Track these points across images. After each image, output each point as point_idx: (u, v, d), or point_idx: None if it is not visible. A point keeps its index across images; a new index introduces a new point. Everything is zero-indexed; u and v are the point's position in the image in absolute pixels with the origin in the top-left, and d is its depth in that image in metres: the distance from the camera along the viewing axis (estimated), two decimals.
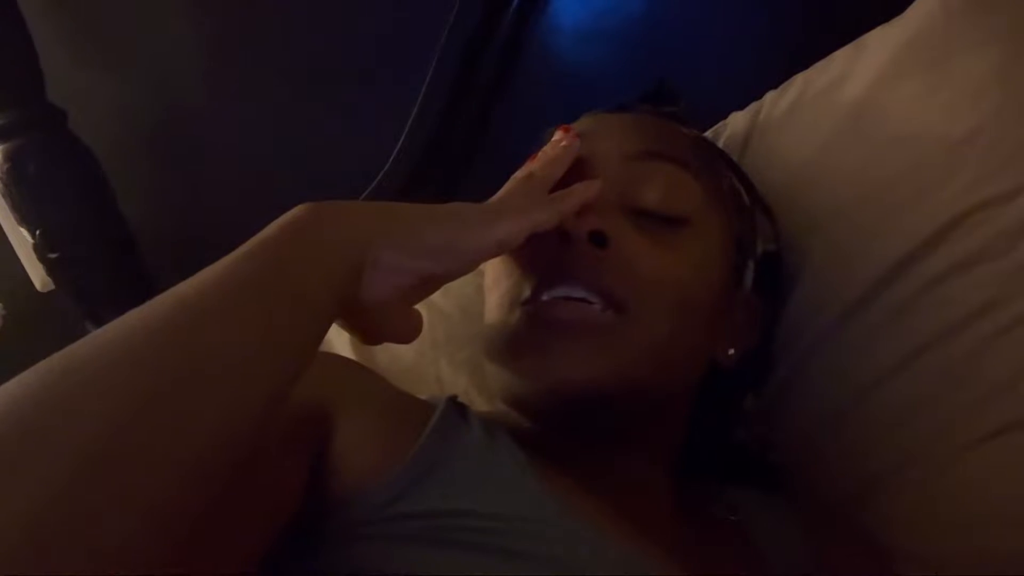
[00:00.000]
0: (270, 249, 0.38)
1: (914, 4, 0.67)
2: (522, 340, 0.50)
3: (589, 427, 0.53)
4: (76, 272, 0.92)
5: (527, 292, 0.51)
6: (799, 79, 0.73)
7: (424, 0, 0.88)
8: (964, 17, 0.63)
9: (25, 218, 0.90)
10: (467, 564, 0.41)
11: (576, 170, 0.55)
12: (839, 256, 0.64)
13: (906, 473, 0.59)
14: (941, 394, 0.58)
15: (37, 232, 0.89)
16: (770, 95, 0.75)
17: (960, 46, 0.63)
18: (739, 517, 0.57)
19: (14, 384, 0.29)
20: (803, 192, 0.67)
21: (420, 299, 0.48)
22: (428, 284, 0.47)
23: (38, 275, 1.00)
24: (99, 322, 0.92)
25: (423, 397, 0.55)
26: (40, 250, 0.91)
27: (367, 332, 0.45)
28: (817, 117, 0.69)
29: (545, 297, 0.50)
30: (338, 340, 0.82)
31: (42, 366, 0.30)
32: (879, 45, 0.68)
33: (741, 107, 0.77)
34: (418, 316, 0.47)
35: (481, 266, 0.54)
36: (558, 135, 0.57)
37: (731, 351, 0.58)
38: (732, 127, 0.76)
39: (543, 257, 0.51)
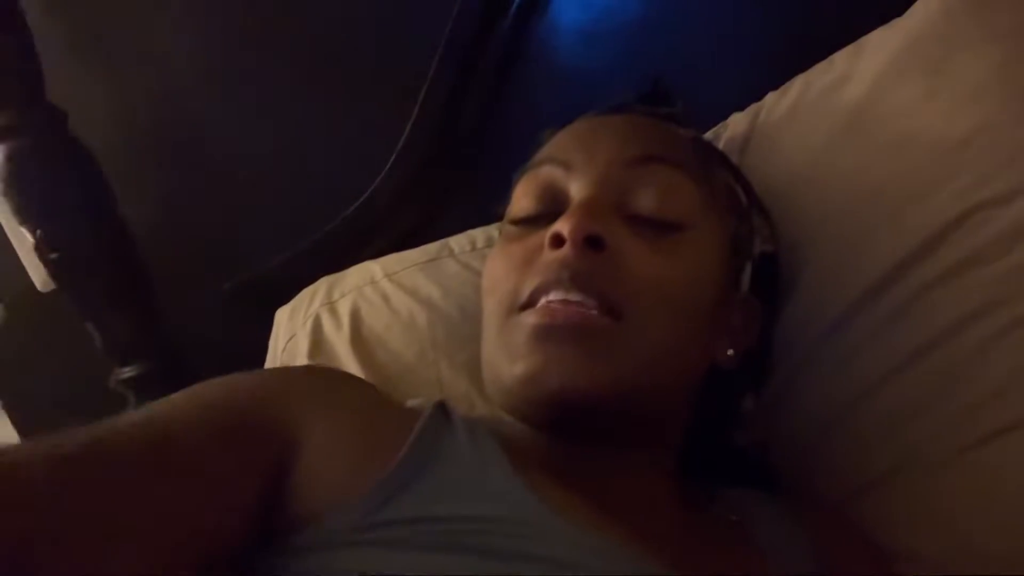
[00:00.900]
0: None
1: (914, 6, 0.67)
2: (519, 345, 0.50)
3: (587, 431, 0.52)
4: (77, 272, 0.92)
5: (524, 297, 0.51)
6: (799, 80, 0.73)
7: (424, 1, 0.88)
8: (964, 18, 0.64)
9: (26, 218, 0.90)
10: (454, 566, 0.41)
11: (575, 175, 0.55)
12: (838, 257, 0.64)
13: (904, 475, 0.59)
14: (939, 396, 0.58)
15: (38, 232, 0.90)
16: (770, 96, 0.75)
17: (959, 47, 0.63)
18: (740, 518, 0.58)
19: None
20: (803, 193, 0.67)
21: None
22: None
23: (39, 275, 1.00)
24: (99, 322, 0.93)
25: (421, 400, 0.55)
26: (41, 250, 0.91)
27: None
28: (817, 119, 0.69)
29: (542, 302, 0.50)
30: (337, 338, 0.82)
31: None
32: (879, 46, 0.68)
33: (741, 108, 0.77)
34: None
35: (479, 267, 0.54)
36: None
37: (730, 352, 0.58)
38: (732, 128, 0.76)
39: (540, 262, 0.51)
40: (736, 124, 0.76)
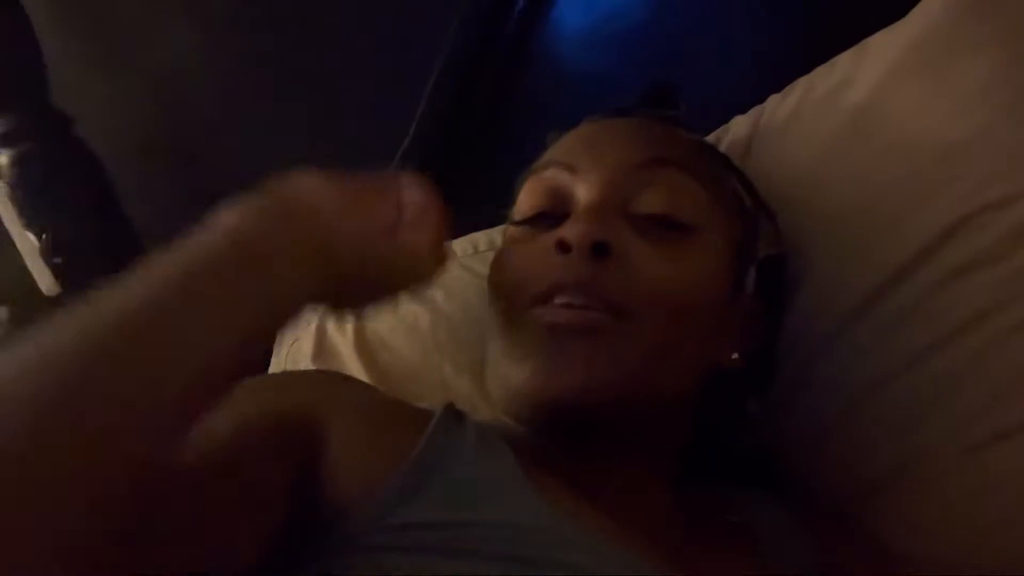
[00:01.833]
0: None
1: (916, 8, 0.67)
2: (525, 345, 0.51)
3: (591, 434, 0.52)
4: (82, 276, 0.92)
5: (528, 302, 0.52)
6: (801, 83, 0.73)
7: (428, 5, 0.88)
8: (966, 21, 0.63)
9: (31, 222, 0.90)
10: (480, 571, 0.41)
11: (581, 178, 0.55)
12: (841, 261, 0.64)
13: (908, 477, 0.59)
14: (943, 398, 0.58)
15: (43, 236, 0.90)
16: (772, 99, 0.75)
17: (962, 50, 0.63)
18: (742, 520, 0.58)
19: None
20: (805, 196, 0.67)
21: None
22: None
23: (44, 279, 1.00)
24: None
25: (426, 404, 0.55)
26: (46, 254, 0.91)
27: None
28: (819, 122, 0.69)
29: (549, 304, 0.50)
30: (342, 342, 0.82)
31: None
32: (881, 49, 0.68)
33: (743, 111, 0.77)
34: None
35: (481, 270, 0.53)
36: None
37: (735, 356, 0.58)
38: (734, 131, 0.76)
39: (545, 267, 0.51)
40: (738, 127, 0.76)
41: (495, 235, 0.84)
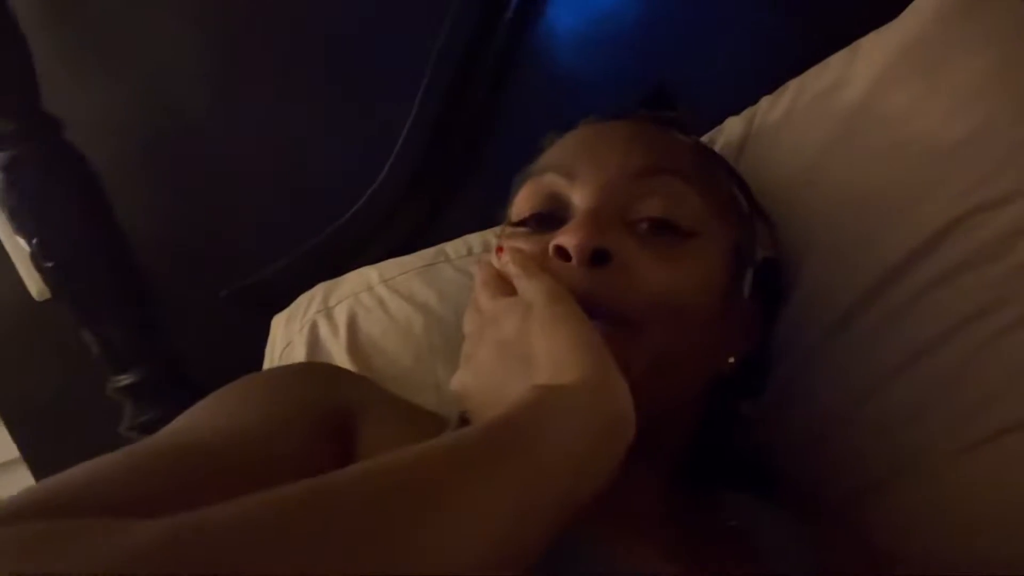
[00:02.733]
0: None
1: (908, 8, 0.67)
2: None
3: None
4: (73, 281, 0.91)
5: None
6: (794, 84, 0.73)
7: (420, 8, 0.88)
8: (959, 21, 0.64)
9: (22, 227, 0.90)
10: None
11: (579, 184, 0.55)
12: (836, 261, 0.64)
13: (904, 477, 0.59)
14: (938, 398, 0.58)
15: (34, 241, 0.89)
16: (765, 100, 0.75)
17: (954, 50, 0.63)
18: (739, 523, 0.57)
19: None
20: (800, 197, 0.67)
21: None
22: None
23: (35, 284, 1.00)
24: (96, 330, 0.92)
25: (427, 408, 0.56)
26: (37, 259, 0.91)
27: None
28: (812, 122, 0.69)
29: None
30: (334, 344, 0.82)
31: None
32: (874, 50, 0.68)
33: (737, 112, 0.77)
34: None
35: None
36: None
37: (731, 360, 0.57)
38: (728, 132, 0.76)
39: (545, 267, 0.51)
40: (732, 128, 0.76)
41: (489, 237, 0.84)
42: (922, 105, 0.63)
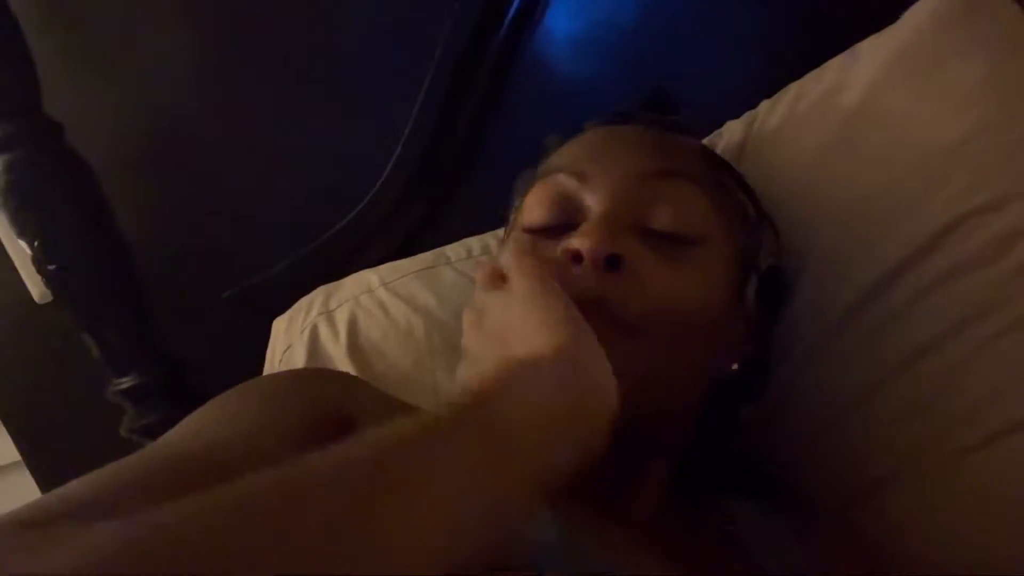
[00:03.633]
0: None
1: (906, 14, 0.68)
2: None
3: None
4: (74, 284, 0.92)
5: None
6: (793, 88, 0.73)
7: (420, 11, 0.88)
8: (954, 26, 0.64)
9: (23, 230, 0.90)
10: None
11: (590, 186, 0.55)
12: (834, 264, 0.64)
13: (903, 477, 0.59)
14: (937, 399, 0.58)
15: (35, 244, 0.90)
16: (764, 104, 0.75)
17: (951, 55, 0.63)
18: (735, 527, 0.57)
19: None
20: (798, 201, 0.67)
21: None
22: None
23: (36, 287, 1.00)
24: (96, 334, 0.93)
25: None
26: (38, 262, 0.91)
27: None
28: (811, 126, 0.69)
29: None
30: (334, 348, 0.82)
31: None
32: (872, 54, 0.68)
33: (736, 116, 0.77)
34: None
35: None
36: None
37: (734, 366, 0.58)
38: (728, 136, 0.76)
39: (556, 271, 0.51)
40: (731, 132, 0.76)
41: (489, 240, 0.84)
42: (919, 109, 0.63)
